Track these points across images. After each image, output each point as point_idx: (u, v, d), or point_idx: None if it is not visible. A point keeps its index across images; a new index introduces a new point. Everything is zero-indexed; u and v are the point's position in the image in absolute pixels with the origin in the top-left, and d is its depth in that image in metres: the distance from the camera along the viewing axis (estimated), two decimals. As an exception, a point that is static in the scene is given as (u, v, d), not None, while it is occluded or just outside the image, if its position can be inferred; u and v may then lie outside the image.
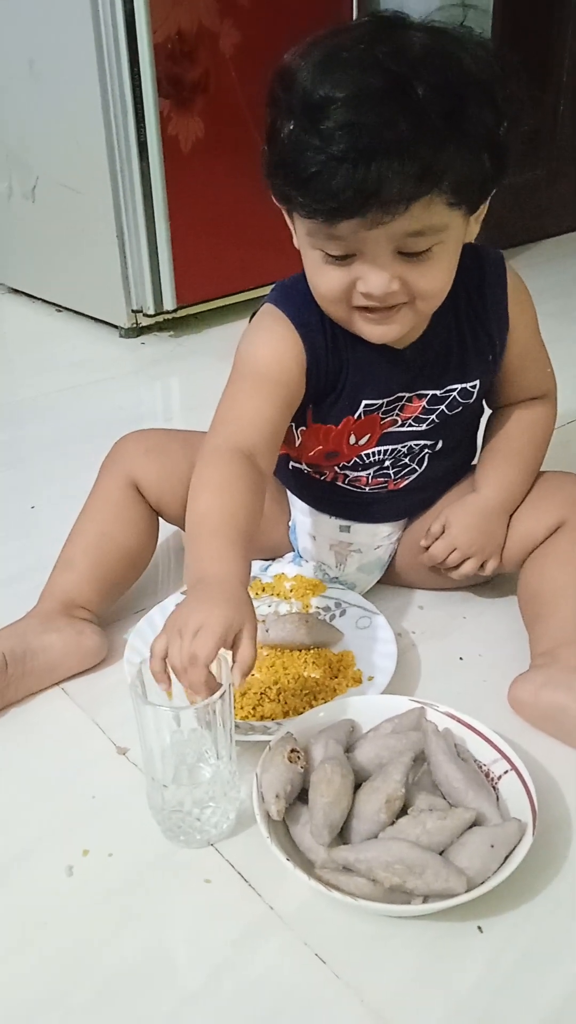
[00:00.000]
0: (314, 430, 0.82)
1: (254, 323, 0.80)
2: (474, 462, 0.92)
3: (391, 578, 0.95)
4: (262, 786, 0.64)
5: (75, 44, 1.51)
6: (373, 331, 0.72)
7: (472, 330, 0.80)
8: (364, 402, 0.79)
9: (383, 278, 0.66)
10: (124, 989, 0.57)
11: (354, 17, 1.72)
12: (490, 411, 0.91)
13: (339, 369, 0.78)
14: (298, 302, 0.76)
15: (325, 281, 0.70)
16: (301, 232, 0.69)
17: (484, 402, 0.90)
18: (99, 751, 0.75)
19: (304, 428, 0.83)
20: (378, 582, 0.95)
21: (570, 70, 2.27)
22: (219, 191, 1.67)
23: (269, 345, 0.77)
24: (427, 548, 0.86)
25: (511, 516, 0.86)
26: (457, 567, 0.85)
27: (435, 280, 0.69)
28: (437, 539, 0.85)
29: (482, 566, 0.85)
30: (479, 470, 0.88)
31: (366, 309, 0.70)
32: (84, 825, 0.68)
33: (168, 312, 1.72)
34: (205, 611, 0.61)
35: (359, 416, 0.81)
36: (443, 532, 0.85)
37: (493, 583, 0.93)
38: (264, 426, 0.75)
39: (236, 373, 0.78)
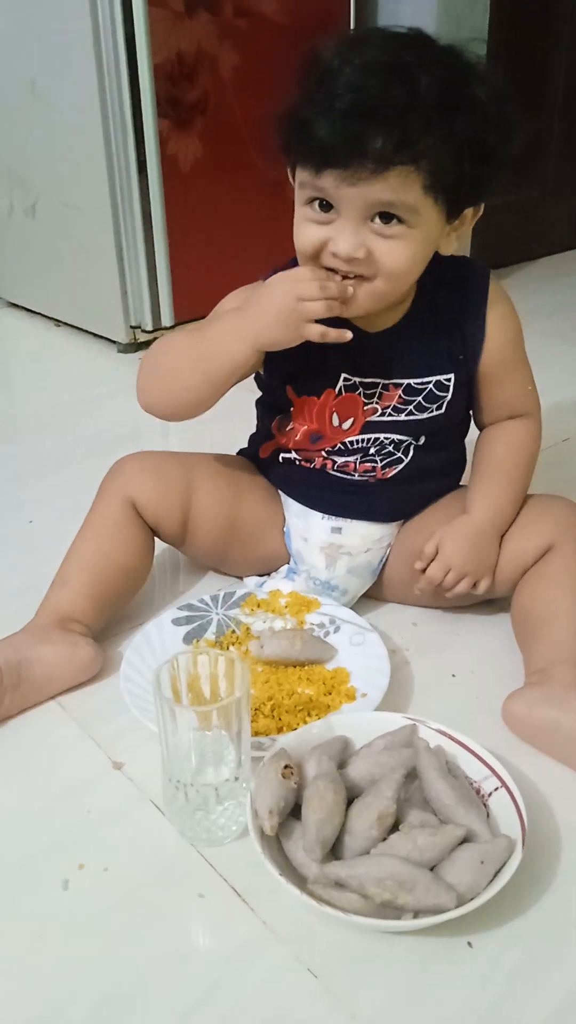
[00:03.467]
0: (299, 405, 0.86)
1: None
2: (463, 482, 0.93)
3: (384, 594, 0.96)
4: (256, 801, 0.64)
5: (76, 65, 1.53)
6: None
7: (447, 328, 0.84)
8: (343, 375, 0.83)
9: (352, 241, 0.71)
10: (119, 1004, 0.57)
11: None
12: (478, 432, 0.93)
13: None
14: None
15: (303, 234, 0.74)
16: (297, 186, 0.75)
17: (472, 418, 0.92)
18: (95, 766, 0.76)
19: (292, 408, 0.87)
20: (371, 598, 0.96)
21: (563, 92, 2.31)
22: (217, 210, 1.69)
23: (234, 297, 0.85)
24: (422, 570, 0.87)
25: (502, 537, 0.87)
26: (452, 588, 0.87)
27: (398, 260, 0.73)
28: (431, 561, 0.86)
29: (475, 585, 0.87)
30: (469, 492, 0.89)
31: (333, 272, 0.74)
32: (79, 839, 0.69)
33: (166, 328, 1.73)
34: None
35: (339, 391, 0.84)
36: (436, 553, 0.86)
37: (486, 600, 0.94)
38: None
39: (205, 320, 0.85)
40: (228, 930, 0.62)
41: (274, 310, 0.75)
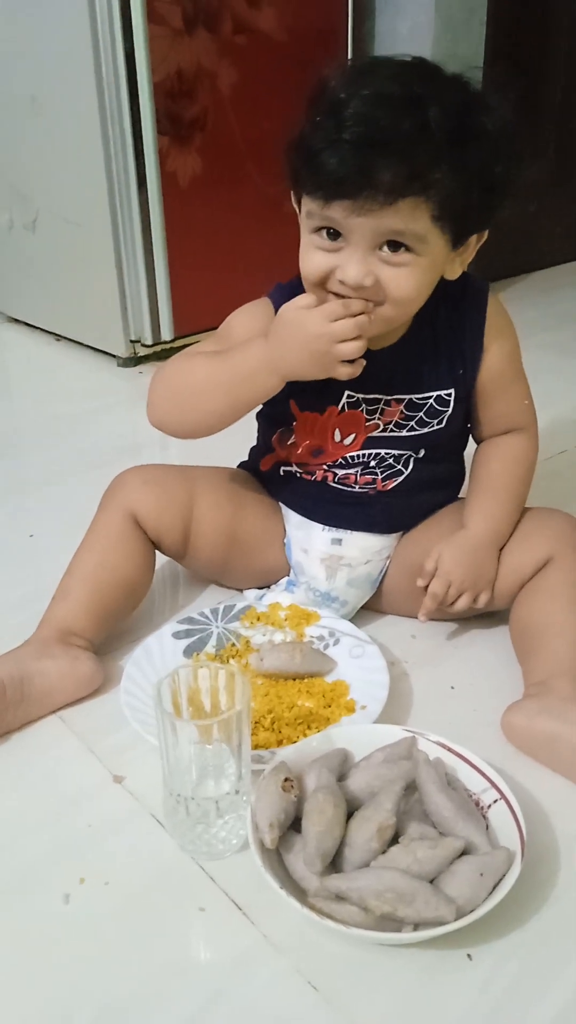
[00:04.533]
0: (302, 420, 0.87)
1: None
2: (462, 495, 0.94)
3: (383, 606, 0.97)
4: (256, 815, 0.65)
5: (76, 81, 1.55)
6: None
7: (446, 343, 0.85)
8: (346, 392, 0.84)
9: (360, 269, 0.72)
10: (120, 1017, 0.58)
11: (349, 58, 1.76)
12: (476, 446, 0.94)
13: None
14: (286, 291, 0.83)
15: (311, 262, 0.75)
16: (303, 214, 0.75)
17: (470, 431, 0.93)
18: (96, 779, 0.76)
19: (295, 422, 0.87)
20: (370, 610, 0.96)
21: (559, 107, 2.33)
22: (216, 225, 1.70)
23: (242, 315, 0.87)
24: (424, 588, 0.88)
25: (501, 551, 0.88)
26: (453, 603, 0.87)
27: (405, 288, 0.73)
28: (432, 578, 0.87)
29: (475, 600, 0.87)
30: (467, 506, 0.90)
31: (339, 298, 0.74)
32: (80, 853, 0.69)
33: (166, 342, 1.74)
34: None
35: (342, 408, 0.85)
36: (436, 569, 0.87)
37: (484, 614, 0.95)
38: None
39: (216, 335, 0.87)
40: (229, 943, 0.62)
41: (308, 348, 0.74)
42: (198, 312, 1.72)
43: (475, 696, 0.85)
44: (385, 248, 0.71)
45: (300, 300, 0.75)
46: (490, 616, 0.94)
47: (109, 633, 0.90)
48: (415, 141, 0.66)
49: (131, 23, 1.48)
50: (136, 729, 0.76)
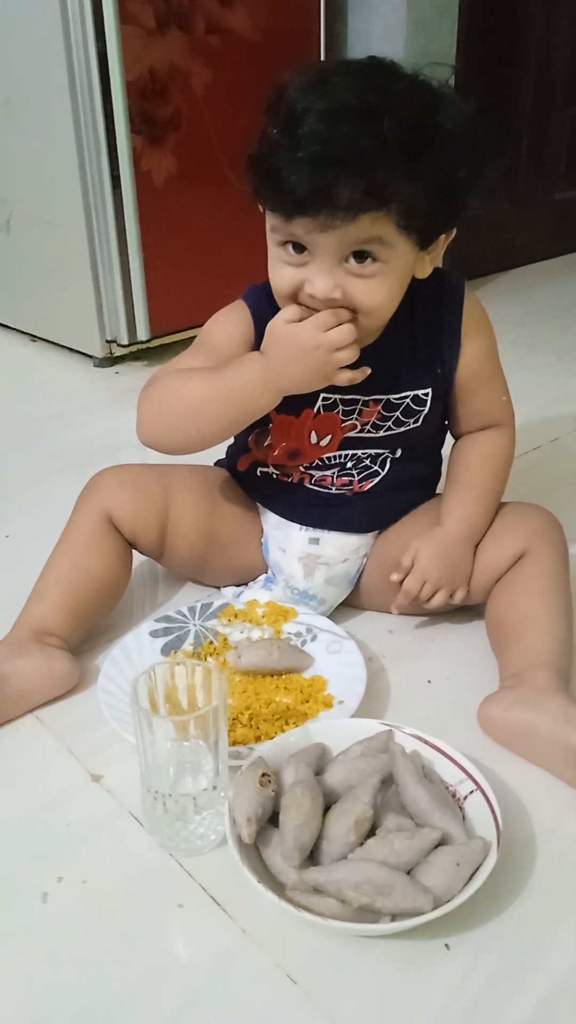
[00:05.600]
0: (278, 422, 0.87)
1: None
2: (439, 491, 0.94)
3: (360, 602, 0.97)
4: (234, 810, 0.65)
5: (49, 82, 1.54)
6: None
7: (424, 342, 0.85)
8: (321, 395, 0.83)
9: (327, 283, 0.72)
10: (100, 1016, 0.57)
11: (322, 58, 1.76)
12: (453, 441, 0.94)
13: None
14: (260, 293, 0.83)
15: (279, 277, 0.75)
16: (268, 228, 0.75)
17: (448, 428, 0.93)
18: (73, 778, 0.76)
19: (271, 424, 0.87)
20: (348, 606, 0.97)
21: (532, 105, 2.35)
22: (192, 224, 1.70)
23: (220, 322, 0.86)
24: (399, 582, 0.88)
25: (476, 546, 0.88)
26: (429, 599, 0.88)
27: (376, 297, 0.73)
28: (408, 573, 0.88)
29: (451, 596, 0.88)
30: (443, 503, 0.91)
31: (312, 311, 0.74)
32: (58, 852, 0.69)
33: (142, 342, 1.74)
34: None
35: (318, 411, 0.85)
36: (412, 565, 0.87)
37: (461, 608, 0.95)
38: None
39: (192, 345, 0.87)
40: (208, 939, 0.62)
41: (306, 360, 0.75)
42: (174, 312, 1.72)
43: (452, 689, 0.86)
44: (352, 260, 0.71)
45: (287, 313, 0.75)
46: (466, 610, 0.95)
47: (86, 633, 0.90)
48: (372, 156, 0.66)
49: (103, 23, 1.47)
50: (114, 727, 0.76)
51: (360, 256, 0.71)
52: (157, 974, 0.60)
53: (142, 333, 1.72)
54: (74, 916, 0.64)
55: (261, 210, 0.77)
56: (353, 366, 0.77)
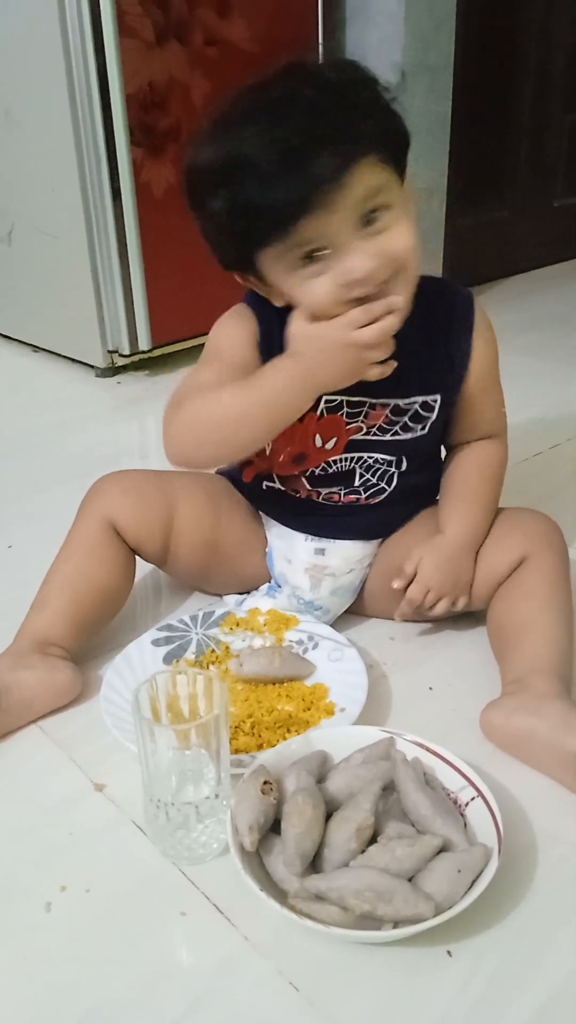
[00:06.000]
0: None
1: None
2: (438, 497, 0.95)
3: (362, 608, 0.97)
4: (236, 818, 0.65)
5: (50, 95, 1.55)
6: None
7: (434, 350, 0.85)
8: (324, 397, 0.82)
9: (362, 259, 0.71)
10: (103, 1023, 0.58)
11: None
12: (446, 451, 0.95)
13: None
14: (259, 296, 0.82)
15: (315, 293, 0.73)
16: (275, 270, 0.74)
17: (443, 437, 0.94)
18: (76, 788, 0.76)
19: None
20: (350, 613, 0.97)
21: (530, 113, 2.36)
22: (192, 234, 1.68)
23: (225, 328, 0.86)
24: (402, 590, 0.89)
25: (477, 553, 0.89)
26: (432, 607, 0.88)
27: (405, 241, 0.73)
28: (411, 581, 0.88)
29: (453, 604, 0.88)
30: (441, 510, 0.91)
31: (364, 301, 0.73)
32: (61, 861, 0.69)
33: (143, 352, 1.75)
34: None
35: (321, 413, 0.85)
36: (415, 573, 0.88)
37: (462, 615, 0.95)
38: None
39: (201, 357, 0.87)
40: (210, 947, 0.62)
41: (339, 359, 0.74)
42: (175, 321, 1.73)
43: (453, 697, 0.86)
44: (366, 223, 0.71)
45: (300, 316, 0.75)
46: (468, 618, 0.95)
47: (88, 642, 0.90)
48: (317, 121, 0.67)
49: (102, 36, 1.48)
50: (116, 737, 0.77)
51: (368, 220, 0.71)
52: (160, 982, 0.60)
53: (143, 343, 1.73)
54: (77, 924, 0.64)
55: (249, 279, 0.78)
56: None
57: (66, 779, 0.77)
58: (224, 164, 0.69)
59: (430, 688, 0.87)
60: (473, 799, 0.68)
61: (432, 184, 2.03)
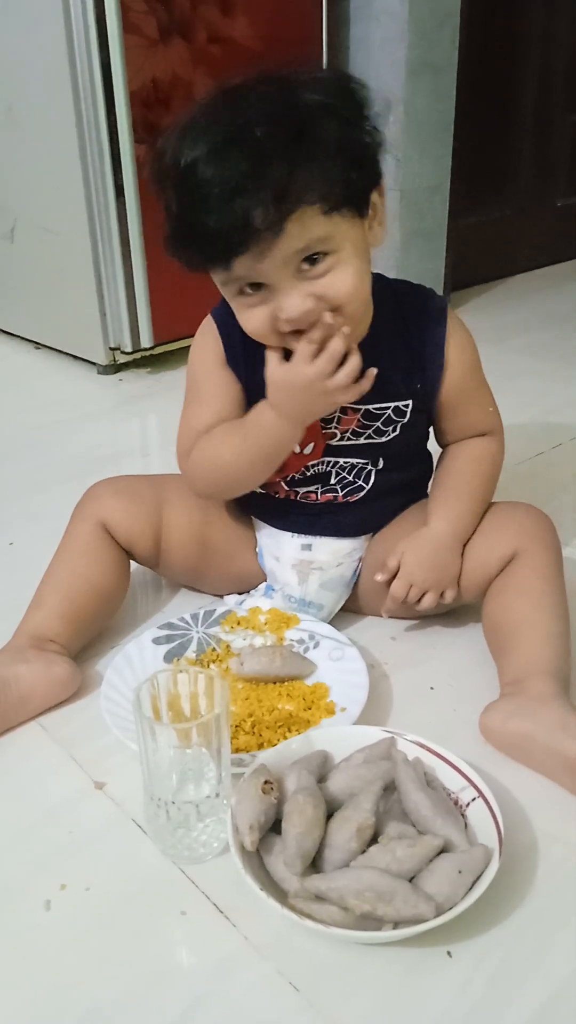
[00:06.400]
0: None
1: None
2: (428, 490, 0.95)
3: (359, 606, 0.97)
4: (236, 817, 0.65)
5: (53, 91, 1.55)
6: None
7: (405, 356, 0.85)
8: None
9: (295, 301, 0.72)
10: (103, 1023, 0.58)
11: (324, 67, 1.77)
12: (440, 448, 0.95)
13: (262, 364, 0.81)
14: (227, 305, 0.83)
15: (251, 321, 0.76)
16: (220, 285, 0.77)
17: (434, 436, 0.94)
18: (77, 786, 0.76)
19: None
20: (350, 612, 0.97)
21: (532, 112, 2.35)
22: (194, 232, 1.71)
23: (195, 353, 0.89)
24: (386, 584, 0.89)
25: (465, 545, 0.88)
26: (418, 601, 0.88)
27: (345, 285, 0.73)
28: (394, 575, 0.88)
29: (441, 596, 0.88)
30: (430, 504, 0.91)
31: (299, 333, 0.75)
32: (61, 860, 0.69)
33: (145, 349, 1.75)
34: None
35: None
36: (399, 567, 0.88)
37: (462, 613, 0.96)
38: (219, 420, 0.86)
39: (187, 385, 0.90)
40: (210, 946, 0.62)
41: (310, 397, 0.77)
42: (177, 319, 1.72)
43: (454, 696, 0.86)
44: (305, 266, 0.72)
45: (273, 360, 0.77)
46: (467, 615, 0.95)
47: (86, 640, 0.91)
48: (261, 170, 0.66)
49: (106, 33, 1.48)
50: (117, 735, 0.76)
51: (311, 260, 0.72)
52: (159, 981, 0.60)
53: (145, 340, 1.73)
54: (77, 923, 0.64)
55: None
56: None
57: (66, 777, 0.77)
58: (176, 183, 0.71)
59: (431, 688, 0.87)
60: (474, 800, 0.68)
61: (435, 183, 2.03)
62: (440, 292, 2.04)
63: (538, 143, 2.40)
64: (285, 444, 0.83)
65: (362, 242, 0.75)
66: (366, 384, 0.77)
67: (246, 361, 0.85)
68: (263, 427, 0.81)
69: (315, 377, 0.75)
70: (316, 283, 0.72)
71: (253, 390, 0.85)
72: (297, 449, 0.87)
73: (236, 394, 0.87)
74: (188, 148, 0.69)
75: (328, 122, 0.69)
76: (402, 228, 2.01)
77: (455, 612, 0.95)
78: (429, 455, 0.96)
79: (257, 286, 0.73)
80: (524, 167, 2.41)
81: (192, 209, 0.69)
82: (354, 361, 0.75)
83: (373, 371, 0.77)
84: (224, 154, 0.67)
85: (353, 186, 0.72)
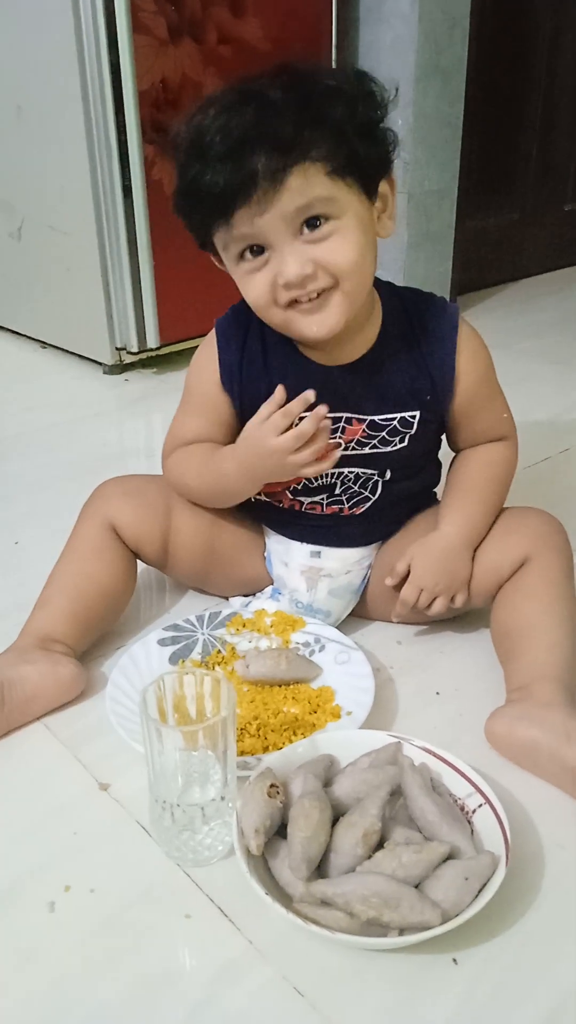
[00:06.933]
0: None
1: None
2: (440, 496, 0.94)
3: (367, 612, 0.97)
4: (241, 821, 0.65)
5: (62, 91, 1.55)
6: (311, 324, 0.76)
7: (414, 367, 0.85)
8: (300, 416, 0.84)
9: (295, 262, 0.72)
10: (105, 1025, 0.57)
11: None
12: (453, 454, 0.94)
13: (264, 378, 0.84)
14: (231, 316, 0.87)
15: (253, 289, 0.76)
16: (225, 257, 0.77)
17: (446, 441, 0.94)
18: (81, 787, 0.76)
19: None
20: (356, 616, 0.97)
21: (540, 116, 2.35)
22: (202, 233, 1.71)
23: (195, 364, 0.90)
24: (395, 588, 0.88)
25: (476, 550, 0.88)
26: (429, 606, 0.88)
27: (346, 254, 0.73)
28: (404, 580, 0.88)
29: (452, 600, 0.88)
30: (441, 508, 0.91)
31: (297, 304, 0.75)
32: (66, 861, 0.69)
33: (151, 350, 1.75)
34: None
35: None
36: (408, 572, 0.87)
37: (469, 617, 0.95)
38: (203, 439, 0.89)
39: (184, 389, 0.92)
40: (214, 950, 0.62)
41: (267, 463, 0.80)
42: (184, 319, 1.72)
43: (460, 701, 0.86)
44: (305, 230, 0.72)
45: (262, 412, 0.78)
46: (475, 621, 0.95)
47: (92, 641, 0.90)
48: (271, 120, 0.68)
49: (116, 33, 1.48)
50: (122, 736, 0.76)
51: (311, 224, 0.72)
52: (163, 984, 0.60)
53: (152, 340, 1.73)
54: (81, 925, 0.64)
55: (214, 259, 0.80)
56: (332, 383, 0.81)
57: (71, 778, 0.77)
58: (187, 143, 0.72)
59: (437, 692, 0.87)
60: (480, 806, 0.68)
61: (443, 186, 2.03)
62: (447, 295, 2.04)
63: (546, 147, 2.40)
64: (240, 494, 0.88)
65: (368, 221, 0.75)
66: (326, 465, 0.79)
67: (241, 381, 0.86)
68: (223, 473, 0.85)
69: (278, 450, 0.77)
70: (316, 247, 0.72)
71: (246, 409, 0.85)
72: None
73: (223, 415, 0.88)
74: (201, 113, 0.71)
75: (339, 98, 0.71)
76: (410, 231, 2.01)
77: (462, 617, 0.95)
78: (438, 464, 0.96)
79: (258, 252, 0.73)
80: (532, 171, 2.41)
81: (199, 159, 0.70)
82: (320, 441, 0.77)
83: (338, 453, 0.80)
84: (234, 110, 0.69)
85: (359, 157, 0.72)
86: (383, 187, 0.77)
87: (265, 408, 0.79)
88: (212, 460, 0.87)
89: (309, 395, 0.76)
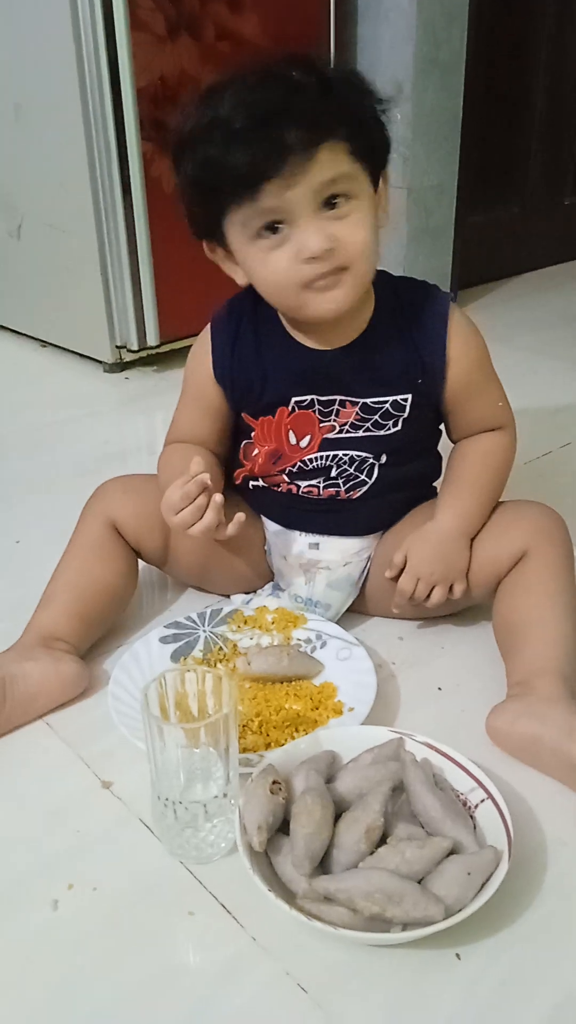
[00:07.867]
0: (259, 427, 0.89)
1: None
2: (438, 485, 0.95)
3: (368, 607, 0.97)
4: (244, 817, 0.65)
5: (60, 89, 1.55)
6: (324, 301, 0.77)
7: (405, 351, 0.85)
8: (293, 399, 0.86)
9: (317, 236, 0.73)
10: (110, 1022, 0.57)
11: (331, 66, 1.77)
12: (452, 444, 0.94)
13: (256, 367, 0.85)
14: (225, 309, 0.88)
15: (272, 268, 0.75)
16: (239, 239, 0.76)
17: (445, 432, 0.94)
18: (83, 785, 0.76)
19: (254, 432, 0.90)
20: (357, 612, 0.97)
21: (542, 110, 2.34)
22: (201, 230, 1.70)
23: (192, 358, 0.92)
24: (393, 580, 0.88)
25: (474, 540, 0.88)
26: (427, 597, 0.87)
27: (361, 236, 0.75)
28: (401, 571, 0.88)
29: (450, 590, 0.87)
30: (439, 498, 0.91)
31: (314, 282, 0.75)
32: (68, 859, 0.69)
33: (152, 348, 1.74)
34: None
35: (292, 408, 0.86)
36: (405, 563, 0.87)
37: (470, 613, 0.95)
38: (197, 430, 0.92)
39: (183, 381, 0.94)
40: (218, 947, 0.62)
41: (167, 517, 0.82)
42: (184, 317, 1.72)
43: (462, 697, 0.85)
44: (325, 208, 0.73)
45: (171, 491, 0.81)
46: (476, 616, 0.95)
47: (94, 639, 0.91)
48: (298, 97, 0.69)
49: (114, 29, 1.48)
50: (124, 734, 0.76)
51: (330, 203, 0.73)
52: (167, 981, 0.60)
53: (152, 338, 1.72)
54: (84, 923, 0.64)
55: (213, 251, 0.81)
56: (326, 366, 0.83)
57: (73, 776, 0.77)
58: (201, 125, 0.72)
59: (439, 688, 0.87)
60: (483, 801, 0.68)
61: (442, 181, 2.03)
62: (447, 290, 2.03)
63: (546, 141, 2.39)
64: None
65: (374, 208, 0.77)
66: (221, 534, 0.82)
67: (232, 371, 0.87)
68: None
69: (176, 525, 0.81)
70: (335, 224, 0.73)
71: (238, 399, 0.88)
72: (294, 441, 0.87)
73: (217, 406, 0.90)
74: (211, 102, 0.71)
75: (353, 85, 0.74)
76: (409, 226, 2.01)
77: (463, 612, 0.95)
78: (439, 457, 0.96)
79: (274, 230, 0.73)
80: (532, 165, 2.40)
81: (220, 137, 0.70)
82: (209, 518, 0.80)
83: (241, 518, 0.82)
84: (257, 88, 0.70)
85: (373, 143, 0.75)
86: (380, 180, 0.78)
87: (174, 486, 0.81)
88: (172, 467, 0.87)
89: (240, 517, 0.82)
